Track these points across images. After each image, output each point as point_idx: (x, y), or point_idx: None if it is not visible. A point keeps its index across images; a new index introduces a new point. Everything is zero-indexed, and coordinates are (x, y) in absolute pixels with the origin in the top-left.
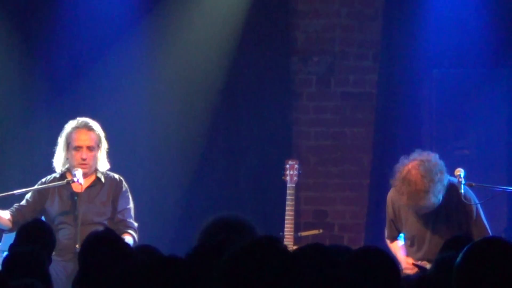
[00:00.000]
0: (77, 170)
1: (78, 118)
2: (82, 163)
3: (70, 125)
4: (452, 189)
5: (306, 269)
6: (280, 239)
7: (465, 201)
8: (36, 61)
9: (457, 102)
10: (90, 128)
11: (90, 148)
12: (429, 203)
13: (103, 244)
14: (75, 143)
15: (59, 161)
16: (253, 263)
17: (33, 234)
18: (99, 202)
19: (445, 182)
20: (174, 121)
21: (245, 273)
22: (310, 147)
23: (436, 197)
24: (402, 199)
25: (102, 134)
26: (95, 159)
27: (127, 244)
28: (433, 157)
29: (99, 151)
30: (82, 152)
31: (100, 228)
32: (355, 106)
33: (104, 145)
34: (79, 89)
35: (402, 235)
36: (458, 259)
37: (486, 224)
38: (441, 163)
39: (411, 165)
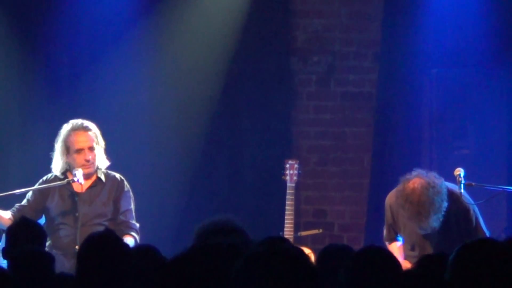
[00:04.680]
0: (77, 170)
1: (71, 121)
2: (86, 164)
3: (65, 128)
4: (451, 197)
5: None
6: (287, 241)
7: (464, 200)
8: (35, 61)
9: (457, 102)
10: (86, 129)
11: (91, 149)
12: (430, 227)
13: (101, 245)
14: (76, 146)
15: (57, 166)
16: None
17: (22, 233)
18: (99, 203)
19: (445, 204)
20: (174, 121)
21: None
22: (310, 147)
23: (438, 222)
24: (404, 215)
25: (98, 132)
26: (97, 158)
27: (126, 245)
28: (439, 184)
29: (98, 150)
30: (85, 154)
31: (101, 228)
32: (355, 106)
33: (102, 142)
34: (79, 89)
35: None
36: (452, 255)
37: (485, 230)
38: (445, 191)
39: (417, 183)
